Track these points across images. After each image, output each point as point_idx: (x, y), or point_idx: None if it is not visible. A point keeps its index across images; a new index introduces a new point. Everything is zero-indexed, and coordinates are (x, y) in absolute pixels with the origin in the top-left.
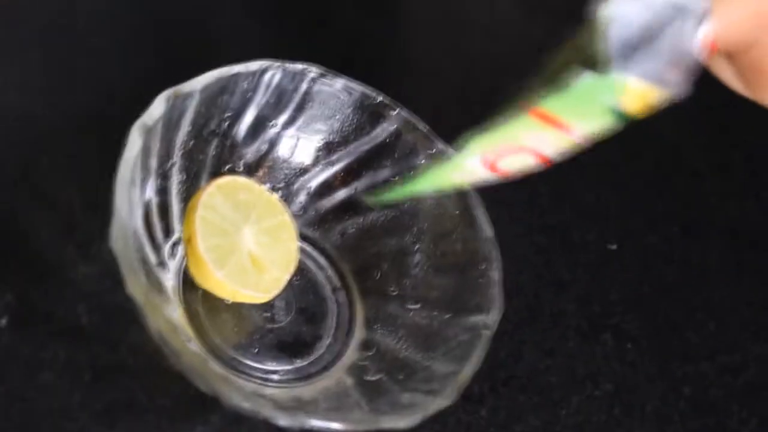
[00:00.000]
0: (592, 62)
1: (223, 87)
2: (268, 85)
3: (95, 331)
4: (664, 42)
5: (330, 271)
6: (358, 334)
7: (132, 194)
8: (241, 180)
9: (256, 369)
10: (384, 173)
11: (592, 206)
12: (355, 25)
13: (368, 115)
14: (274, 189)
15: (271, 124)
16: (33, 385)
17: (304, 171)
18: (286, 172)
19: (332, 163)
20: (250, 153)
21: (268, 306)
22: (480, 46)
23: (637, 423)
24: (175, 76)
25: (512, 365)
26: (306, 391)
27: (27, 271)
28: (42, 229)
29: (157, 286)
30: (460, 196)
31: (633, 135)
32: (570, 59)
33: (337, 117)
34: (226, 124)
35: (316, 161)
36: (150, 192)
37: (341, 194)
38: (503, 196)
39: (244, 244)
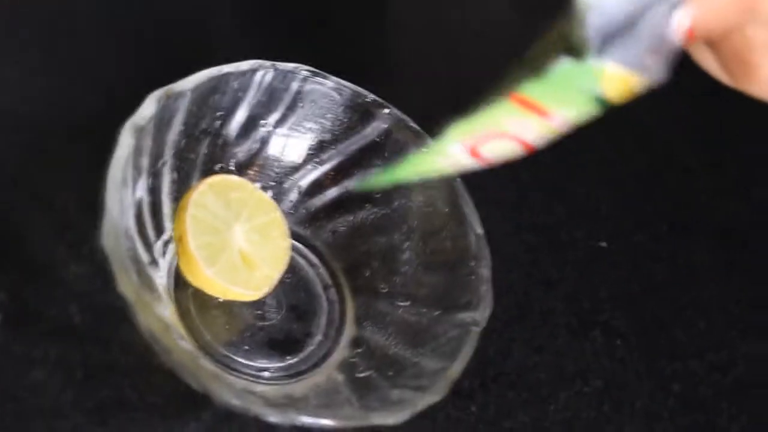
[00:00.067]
0: (573, 49)
1: (215, 86)
2: (259, 85)
3: (87, 329)
4: (643, 28)
5: (321, 269)
6: (349, 331)
7: (123, 193)
8: (233, 179)
9: (247, 366)
10: (375, 170)
11: (581, 205)
12: (347, 25)
13: (359, 114)
14: (265, 187)
15: (262, 123)
16: (25, 384)
17: (295, 169)
18: (278, 170)
19: (323, 162)
20: (242, 152)
21: (259, 303)
22: (471, 47)
23: (627, 420)
24: (166, 75)
25: (501, 362)
26: (297, 388)
27: (19, 270)
28: (34, 228)
29: (149, 284)
30: (450, 194)
31: (623, 133)
32: (551, 46)
33: (328, 116)
34: (218, 123)
35: (307, 160)
36: (141, 191)
37: (332, 193)
38: (493, 194)
39: (235, 242)
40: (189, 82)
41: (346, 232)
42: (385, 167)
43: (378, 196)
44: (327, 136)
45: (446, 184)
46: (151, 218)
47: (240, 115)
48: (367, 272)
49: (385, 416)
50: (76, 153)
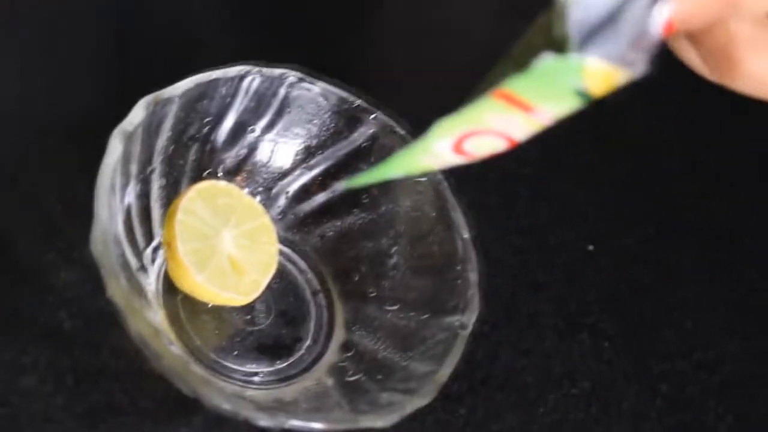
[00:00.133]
0: (555, 44)
1: (203, 92)
2: (247, 90)
3: (77, 335)
4: (624, 22)
5: (310, 274)
6: (338, 335)
7: (112, 199)
8: (221, 184)
9: (237, 371)
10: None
11: (567, 208)
12: (334, 29)
13: (346, 119)
14: (253, 193)
15: (250, 128)
16: (15, 390)
17: (283, 175)
18: (266, 176)
19: (311, 167)
20: (230, 158)
21: (248, 309)
22: (458, 51)
23: (614, 421)
24: (155, 81)
25: (489, 365)
26: (287, 392)
27: (8, 276)
28: (23, 234)
29: (138, 289)
30: (437, 198)
31: (608, 137)
32: (534, 42)
33: (316, 121)
34: (206, 129)
35: (295, 165)
36: (130, 197)
37: (320, 198)
38: (480, 198)
39: (224, 248)
40: (177, 88)
41: (335, 237)
42: (371, 166)
43: (365, 201)
44: (314, 142)
45: (433, 188)
46: (141, 224)
47: (228, 121)
48: (356, 277)
49: (375, 419)
50: (59, 158)
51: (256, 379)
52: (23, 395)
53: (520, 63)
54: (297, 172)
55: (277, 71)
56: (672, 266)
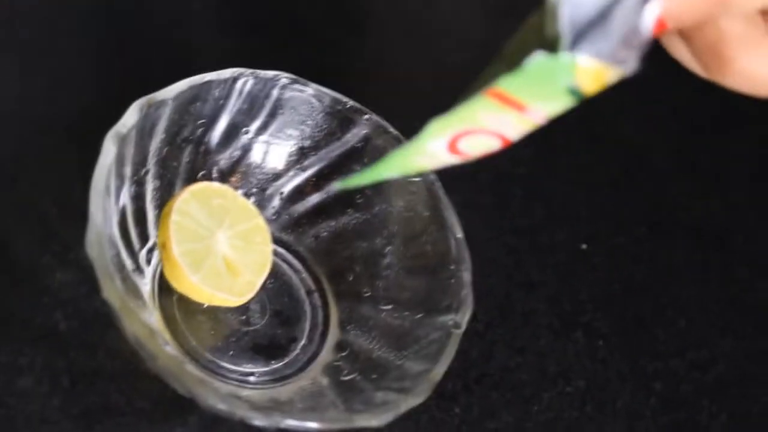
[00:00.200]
0: (547, 42)
1: (196, 95)
2: (240, 93)
3: (73, 336)
4: (615, 20)
5: (304, 274)
6: (333, 335)
7: (107, 201)
8: (215, 186)
9: (232, 371)
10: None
11: (562, 208)
12: (326, 32)
13: (339, 120)
14: (247, 194)
15: (243, 130)
16: (12, 391)
17: (277, 176)
18: (260, 177)
19: (304, 168)
20: (224, 159)
21: (243, 309)
22: (449, 54)
23: (609, 419)
24: (150, 84)
25: (484, 364)
26: (282, 391)
27: (4, 277)
28: (19, 236)
29: (134, 291)
30: (430, 198)
31: (602, 137)
32: (527, 40)
33: (309, 122)
34: (200, 131)
35: (289, 166)
36: (125, 199)
37: (314, 198)
38: (473, 198)
39: (219, 249)
40: (171, 91)
41: (329, 238)
42: (366, 167)
43: (359, 201)
44: (308, 143)
45: (426, 188)
46: (135, 226)
47: (221, 123)
48: (350, 277)
49: (370, 418)
50: (55, 160)
51: (251, 379)
52: (19, 396)
53: (513, 62)
54: (291, 173)
55: (270, 73)
56: (665, 265)
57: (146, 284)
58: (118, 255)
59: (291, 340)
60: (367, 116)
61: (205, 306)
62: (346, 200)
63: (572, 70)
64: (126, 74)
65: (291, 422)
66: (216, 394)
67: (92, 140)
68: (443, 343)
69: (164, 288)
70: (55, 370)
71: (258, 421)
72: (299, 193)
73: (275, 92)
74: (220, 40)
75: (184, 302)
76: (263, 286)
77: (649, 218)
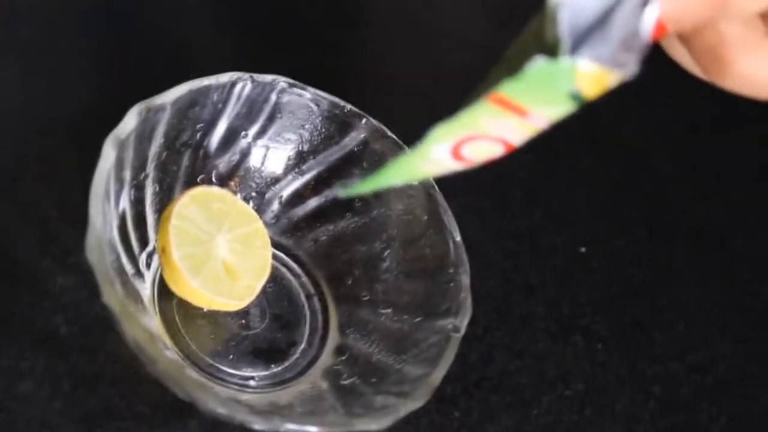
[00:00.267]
0: (547, 47)
1: (195, 99)
2: (238, 97)
3: (73, 340)
4: (615, 24)
5: (304, 278)
6: (332, 339)
7: (106, 206)
8: (214, 190)
9: (232, 375)
10: (354, 182)
11: (559, 211)
12: (324, 35)
13: (337, 124)
14: (246, 198)
15: (242, 134)
16: (13, 395)
17: (275, 180)
18: (258, 181)
19: (303, 173)
20: (223, 164)
21: (243, 313)
22: (449, 55)
23: (608, 422)
24: (149, 84)
25: (483, 367)
26: (282, 395)
27: (5, 282)
28: (19, 239)
29: (134, 295)
30: (428, 202)
31: (601, 139)
32: (527, 45)
33: (307, 127)
34: (198, 135)
35: (288, 170)
36: (125, 203)
37: (313, 202)
38: (471, 201)
39: (218, 253)
40: (169, 96)
41: (328, 242)
42: (366, 175)
43: (358, 205)
44: (306, 147)
45: (425, 192)
46: (135, 230)
47: (220, 128)
48: (349, 280)
49: (369, 422)
50: (55, 165)
51: (251, 383)
52: (20, 400)
53: (514, 67)
54: (289, 177)
55: (269, 77)
56: (665, 267)
57: (146, 288)
58: (118, 259)
59: (290, 344)
60: (365, 120)
61: (205, 310)
62: (344, 204)
63: (573, 74)
64: (126, 74)
65: (291, 426)
66: (216, 399)
67: (92, 141)
68: (442, 347)
69: (164, 292)
70: (56, 374)
71: (258, 425)
72: (298, 197)
73: (273, 96)
74: (219, 40)
75: (184, 306)
76: (263, 290)
77: (648, 220)
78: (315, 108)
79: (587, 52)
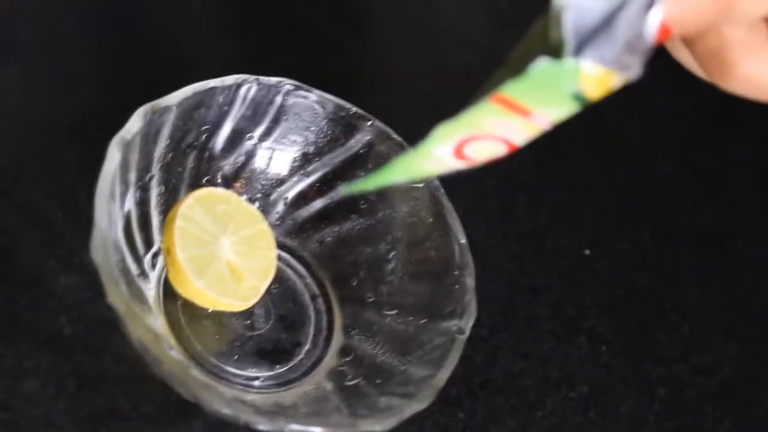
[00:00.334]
0: (551, 48)
1: (200, 101)
2: (244, 99)
3: (78, 340)
4: (619, 26)
5: (308, 279)
6: (337, 340)
7: (111, 207)
8: (219, 191)
9: (237, 375)
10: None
11: (564, 213)
12: (328, 38)
13: (342, 126)
14: (251, 200)
15: (247, 136)
16: (17, 394)
17: (280, 182)
18: (263, 183)
19: (308, 174)
20: (228, 165)
21: (247, 314)
22: (452, 57)
23: (612, 424)
24: (154, 90)
25: (488, 369)
26: (286, 396)
27: (10, 282)
28: (24, 240)
29: (138, 295)
30: (434, 204)
31: (605, 142)
32: (531, 46)
33: (312, 129)
34: (204, 137)
35: (293, 172)
36: (130, 204)
37: (318, 204)
38: (476, 203)
39: (223, 254)
40: (175, 97)
41: (333, 243)
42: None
43: (363, 206)
44: (311, 149)
45: (430, 194)
46: (140, 231)
47: (225, 129)
48: (354, 282)
49: (374, 423)
50: (59, 166)
51: (255, 383)
52: (25, 400)
53: (517, 68)
54: (294, 179)
55: (274, 79)
56: (669, 270)
57: (151, 289)
58: (122, 260)
59: (295, 344)
60: (370, 122)
61: (210, 311)
62: (349, 206)
63: (576, 75)
64: (126, 75)
65: (295, 427)
66: (220, 399)
67: (93, 142)
68: (447, 349)
69: (169, 293)
70: (61, 374)
71: (262, 425)
72: (303, 198)
73: (279, 98)
74: (220, 41)
75: (189, 307)
76: (268, 291)
77: (652, 223)
78: (320, 110)
79: (591, 53)
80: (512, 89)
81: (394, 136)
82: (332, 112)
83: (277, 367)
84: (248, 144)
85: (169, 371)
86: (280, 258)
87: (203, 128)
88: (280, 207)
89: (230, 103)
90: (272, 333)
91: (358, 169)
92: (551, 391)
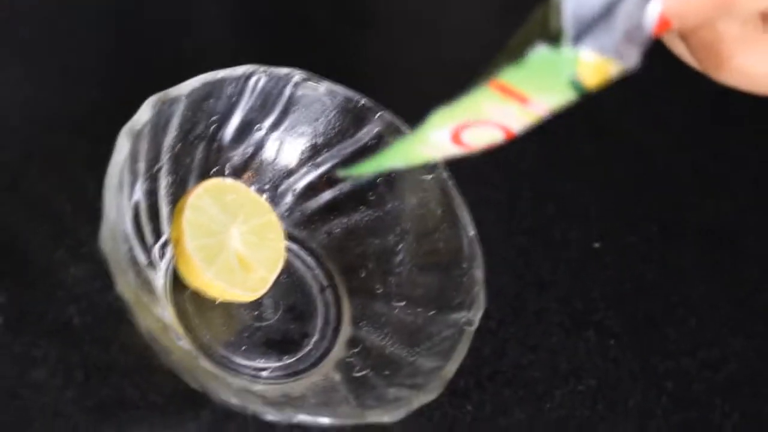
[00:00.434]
0: (550, 35)
1: (209, 92)
2: (253, 90)
3: (87, 330)
4: (619, 16)
5: (317, 270)
6: (345, 331)
7: (120, 197)
8: (228, 182)
9: (245, 366)
10: (368, 174)
11: (572, 207)
12: (336, 30)
13: (351, 117)
14: (260, 191)
15: (256, 127)
16: (26, 383)
17: (289, 173)
18: (272, 174)
19: (317, 165)
20: (237, 156)
21: (256, 304)
22: (458, 51)
23: (620, 418)
24: (159, 86)
25: (496, 361)
26: (295, 386)
27: (19, 272)
28: (33, 231)
29: (147, 285)
30: (443, 195)
31: (612, 136)
32: (531, 34)
33: (321, 120)
34: (213, 127)
35: (302, 163)
36: (139, 194)
37: (326, 195)
38: (485, 196)
39: (232, 244)
40: (184, 88)
41: (341, 234)
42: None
43: (372, 198)
44: (320, 140)
45: (439, 186)
46: (149, 221)
47: (234, 120)
48: (363, 273)
49: (382, 414)
50: (68, 156)
51: (263, 374)
52: (33, 388)
53: (516, 55)
54: (303, 170)
55: (283, 70)
56: (676, 264)
57: (159, 279)
58: (131, 250)
59: (303, 335)
60: (379, 114)
61: (218, 301)
62: (358, 197)
63: (575, 63)
64: (132, 70)
65: (303, 417)
66: (229, 389)
67: (101, 136)
68: (456, 340)
69: (177, 283)
70: (69, 363)
71: (270, 415)
72: (312, 189)
73: (288, 89)
74: (227, 37)
75: (197, 297)
76: (276, 282)
77: (659, 217)
78: (329, 101)
79: (590, 41)
80: (510, 75)
81: (403, 128)
82: (341, 103)
83: (286, 357)
84: (257, 135)
85: (177, 361)
86: (288, 249)
87: (212, 119)
88: (289, 198)
89: (239, 93)
90: (280, 324)
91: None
92: (559, 383)
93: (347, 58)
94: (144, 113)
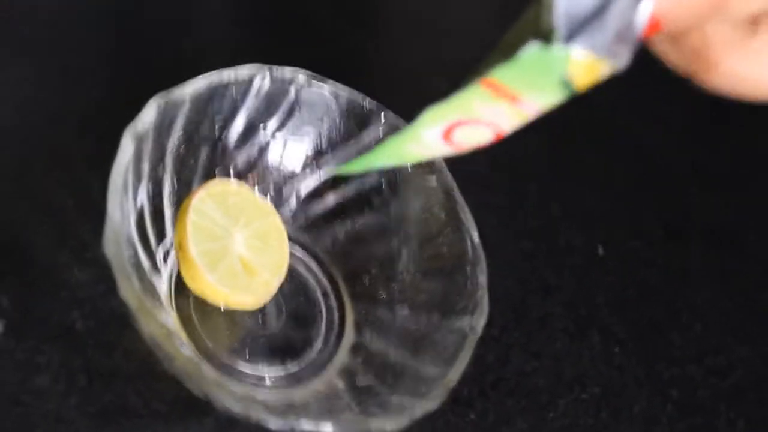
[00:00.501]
0: (542, 34)
1: (213, 93)
2: (257, 91)
3: (90, 335)
4: (611, 16)
5: (320, 276)
6: (349, 337)
7: (124, 200)
8: (231, 184)
9: (248, 373)
10: (372, 177)
11: (576, 212)
12: (336, 30)
13: (356, 119)
14: (264, 194)
15: (260, 129)
16: (28, 389)
17: (293, 176)
18: (276, 177)
19: (321, 168)
20: (241, 158)
21: (259, 310)
22: (458, 51)
23: (625, 426)
24: (162, 85)
25: (500, 368)
26: (297, 394)
27: (22, 276)
28: (36, 235)
29: (151, 291)
30: (447, 200)
31: (616, 140)
32: (523, 32)
33: (326, 121)
34: (217, 129)
35: (306, 166)
36: (142, 197)
37: (331, 199)
38: (489, 200)
39: (236, 249)
40: (188, 89)
41: (345, 239)
42: (360, 154)
43: (375, 202)
44: (325, 142)
45: (443, 190)
46: (153, 224)
47: (239, 122)
48: (366, 278)
49: (385, 422)
50: (72, 158)
51: (267, 381)
52: (36, 394)
53: (508, 53)
54: (307, 173)
55: (287, 73)
56: (681, 270)
57: (163, 284)
58: (135, 254)
59: (306, 342)
60: (384, 115)
61: (222, 307)
62: (362, 201)
63: (566, 62)
64: (133, 69)
65: (306, 425)
66: (232, 396)
67: (105, 136)
68: (459, 347)
69: (180, 288)
70: (72, 369)
71: (273, 423)
72: (316, 193)
73: (292, 91)
74: (228, 35)
75: (201, 303)
76: (279, 288)
77: (664, 222)
78: (334, 103)
79: (582, 40)
80: (502, 74)
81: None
82: (346, 104)
83: (288, 364)
84: (261, 137)
85: (180, 368)
86: (291, 254)
87: (216, 120)
88: (293, 202)
89: (243, 95)
90: (284, 330)
91: None
92: (563, 391)
93: (347, 58)
94: (148, 114)
